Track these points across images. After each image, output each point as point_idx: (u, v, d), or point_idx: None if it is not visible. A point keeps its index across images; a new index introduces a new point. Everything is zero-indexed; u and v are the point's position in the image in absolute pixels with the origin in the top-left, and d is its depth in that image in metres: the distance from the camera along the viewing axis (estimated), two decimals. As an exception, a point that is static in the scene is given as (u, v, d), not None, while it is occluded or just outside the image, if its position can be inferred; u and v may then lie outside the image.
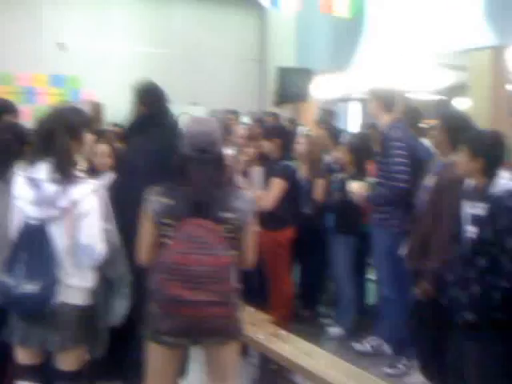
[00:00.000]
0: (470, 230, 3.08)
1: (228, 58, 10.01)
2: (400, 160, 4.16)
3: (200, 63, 9.75)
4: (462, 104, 9.46)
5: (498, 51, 7.31)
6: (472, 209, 3.11)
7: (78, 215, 2.62)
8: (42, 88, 9.07)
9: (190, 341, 2.67)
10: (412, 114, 5.55)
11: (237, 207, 2.63)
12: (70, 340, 2.70)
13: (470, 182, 3.22)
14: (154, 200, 2.63)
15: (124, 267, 2.85)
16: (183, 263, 2.48)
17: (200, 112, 8.04)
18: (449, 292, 3.16)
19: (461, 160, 3.18)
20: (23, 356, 2.75)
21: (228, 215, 2.60)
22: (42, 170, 2.64)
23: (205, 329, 2.58)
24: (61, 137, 2.67)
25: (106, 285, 2.81)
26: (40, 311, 2.59)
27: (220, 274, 2.51)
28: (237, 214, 2.62)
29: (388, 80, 7.23)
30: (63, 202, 2.60)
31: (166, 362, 2.68)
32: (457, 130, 3.53)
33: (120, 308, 2.84)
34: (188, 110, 7.82)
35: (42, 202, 2.59)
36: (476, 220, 3.07)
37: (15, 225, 2.64)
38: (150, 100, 3.41)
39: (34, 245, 2.57)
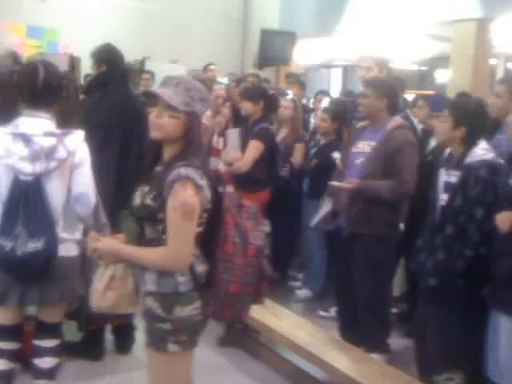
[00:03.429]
0: (443, 198, 3.12)
1: (210, 16, 9.81)
2: None
3: (182, 20, 9.55)
4: (443, 75, 9.47)
5: (482, 24, 7.30)
6: (446, 176, 3.14)
7: (74, 165, 2.65)
8: (19, 39, 8.84)
9: None
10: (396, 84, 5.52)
11: None
12: (68, 293, 2.74)
13: (448, 151, 3.25)
14: (204, 185, 2.07)
15: (105, 218, 2.90)
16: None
17: (180, 70, 7.94)
18: (417, 257, 3.21)
19: (442, 128, 3.17)
20: (6, 317, 2.73)
21: None
22: (30, 125, 2.61)
23: None
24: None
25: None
26: (45, 268, 2.59)
27: None
28: None
29: (372, 48, 7.18)
30: (61, 154, 2.59)
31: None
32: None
33: None
34: (168, 68, 7.74)
35: (38, 156, 2.55)
36: (448, 188, 3.10)
37: (4, 183, 2.58)
38: (109, 59, 3.56)
39: (29, 201, 2.54)
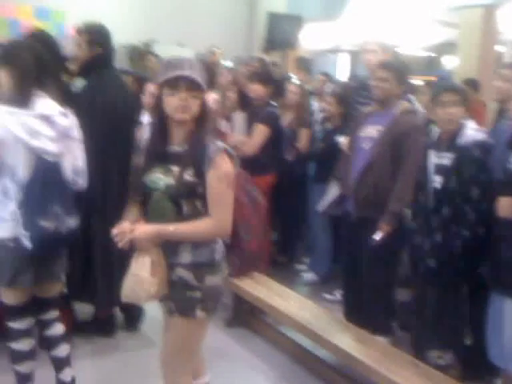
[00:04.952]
0: (435, 180, 3.16)
1: (218, -1, 9.79)
2: None
3: (188, 2, 9.53)
4: (450, 62, 9.43)
5: (489, 10, 7.26)
6: (437, 158, 3.18)
7: (75, 142, 2.77)
8: (26, 20, 8.82)
9: None
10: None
11: None
12: (63, 266, 2.88)
13: (436, 132, 3.29)
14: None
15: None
16: None
17: (186, 54, 7.93)
18: (413, 240, 3.27)
19: (455, 109, 3.15)
20: (19, 297, 2.73)
21: None
22: (45, 106, 2.62)
23: None
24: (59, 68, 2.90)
25: None
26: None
27: None
28: None
29: (379, 33, 7.16)
30: (75, 132, 2.75)
31: None
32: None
33: None
34: (175, 51, 7.73)
35: (61, 136, 2.63)
36: (441, 170, 3.14)
37: (26, 164, 2.56)
38: (105, 40, 3.52)
39: (58, 181, 2.61)
